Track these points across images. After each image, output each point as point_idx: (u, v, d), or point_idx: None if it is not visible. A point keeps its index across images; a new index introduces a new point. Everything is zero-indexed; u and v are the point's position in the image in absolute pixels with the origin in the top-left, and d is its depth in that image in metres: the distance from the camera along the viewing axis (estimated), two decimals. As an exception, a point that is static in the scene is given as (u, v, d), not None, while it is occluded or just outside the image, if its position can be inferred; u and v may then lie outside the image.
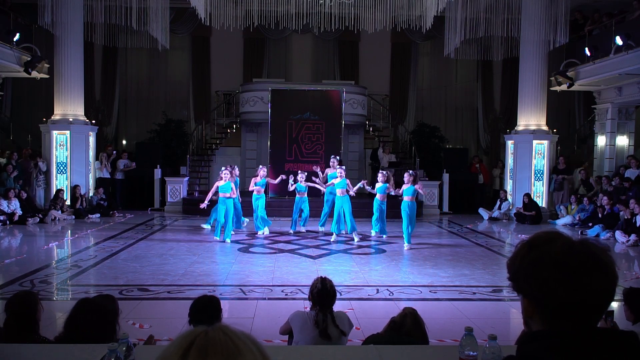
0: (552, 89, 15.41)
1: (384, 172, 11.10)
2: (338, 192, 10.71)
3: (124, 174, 15.86)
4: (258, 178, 11.13)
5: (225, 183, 10.36)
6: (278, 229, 11.85)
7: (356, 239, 10.69)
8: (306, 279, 6.93)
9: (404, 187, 10.15)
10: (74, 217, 13.45)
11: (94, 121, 15.35)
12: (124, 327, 3.84)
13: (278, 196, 14.13)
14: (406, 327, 3.28)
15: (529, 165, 14.76)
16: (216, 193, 10.64)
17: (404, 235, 10.12)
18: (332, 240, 10.59)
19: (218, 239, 10.41)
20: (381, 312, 5.66)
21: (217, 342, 0.97)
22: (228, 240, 10.39)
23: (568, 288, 1.25)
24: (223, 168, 10.74)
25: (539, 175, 14.81)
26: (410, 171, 10.40)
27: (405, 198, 10.03)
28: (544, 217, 14.26)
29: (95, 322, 2.95)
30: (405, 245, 9.97)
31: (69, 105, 14.31)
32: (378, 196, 10.84)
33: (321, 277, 3.86)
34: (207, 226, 11.91)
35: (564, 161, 15.01)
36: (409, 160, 17.21)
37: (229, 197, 10.37)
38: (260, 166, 11.77)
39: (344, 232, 11.15)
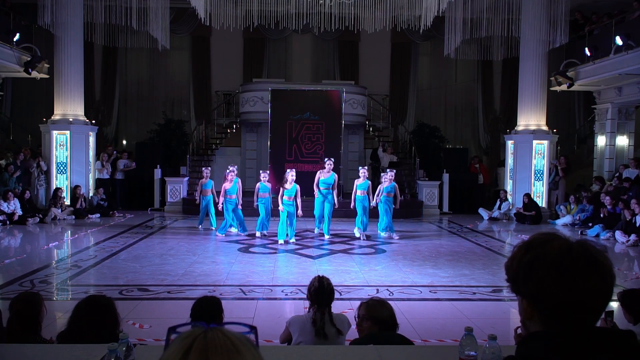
0: (552, 89, 15.42)
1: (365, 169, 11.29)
2: (359, 192, 10.88)
3: (124, 174, 15.86)
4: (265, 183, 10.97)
5: (207, 181, 11.69)
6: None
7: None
8: (306, 279, 6.89)
9: (386, 184, 10.96)
10: (74, 217, 13.45)
11: (94, 121, 15.35)
12: (123, 327, 3.84)
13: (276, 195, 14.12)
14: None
15: (529, 165, 14.76)
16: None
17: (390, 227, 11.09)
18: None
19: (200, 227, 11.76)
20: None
21: (217, 343, 0.98)
22: (200, 227, 11.80)
23: (564, 288, 1.26)
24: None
25: (539, 175, 14.82)
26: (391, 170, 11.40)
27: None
28: (544, 217, 14.26)
29: (100, 318, 2.98)
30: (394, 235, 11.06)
31: (69, 105, 14.31)
32: (359, 192, 10.97)
33: (318, 275, 3.87)
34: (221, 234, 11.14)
35: (565, 161, 15.01)
36: (409, 160, 17.22)
37: (209, 195, 11.71)
38: (261, 171, 11.37)
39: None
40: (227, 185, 10.87)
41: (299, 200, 10.41)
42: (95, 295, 3.34)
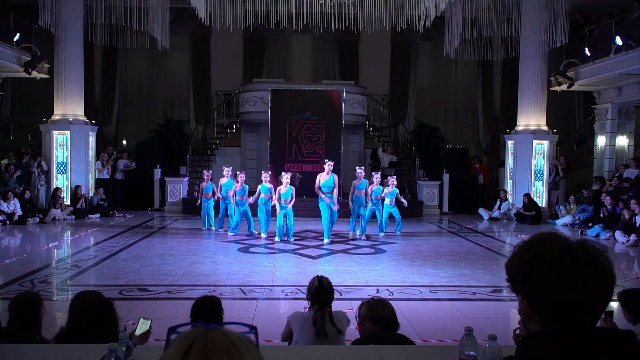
0: (552, 89, 15.42)
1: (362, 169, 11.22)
2: (357, 192, 10.82)
3: (123, 174, 15.86)
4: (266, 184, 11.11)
5: (207, 184, 11.84)
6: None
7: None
8: (306, 279, 6.87)
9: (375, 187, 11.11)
10: (74, 217, 13.45)
11: (94, 121, 15.35)
12: (123, 327, 3.83)
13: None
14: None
15: (529, 165, 14.76)
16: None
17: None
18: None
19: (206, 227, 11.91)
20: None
21: (217, 343, 0.98)
22: (205, 228, 11.90)
23: (564, 288, 1.26)
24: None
25: (539, 175, 14.82)
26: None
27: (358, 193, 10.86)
28: (544, 217, 14.26)
29: (99, 318, 2.97)
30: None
31: (69, 105, 14.31)
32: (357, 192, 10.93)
33: (318, 275, 3.87)
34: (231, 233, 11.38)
35: (565, 161, 15.01)
36: (409, 160, 17.22)
37: (210, 198, 11.86)
38: (263, 172, 11.41)
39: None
40: (237, 186, 11.03)
41: (292, 202, 10.55)
42: (90, 292, 3.25)
